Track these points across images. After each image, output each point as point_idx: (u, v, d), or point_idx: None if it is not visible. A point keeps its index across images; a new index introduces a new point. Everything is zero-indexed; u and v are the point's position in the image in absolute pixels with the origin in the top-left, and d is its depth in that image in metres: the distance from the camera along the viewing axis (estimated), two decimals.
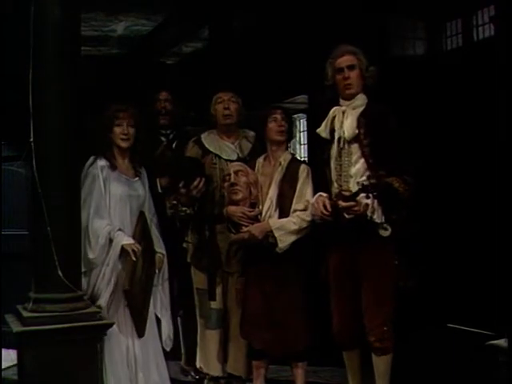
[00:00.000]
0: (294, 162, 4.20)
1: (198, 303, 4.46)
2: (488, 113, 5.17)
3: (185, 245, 4.49)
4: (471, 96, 5.60)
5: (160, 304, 4.07)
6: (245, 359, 4.28)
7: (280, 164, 4.15)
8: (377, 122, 3.77)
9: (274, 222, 4.03)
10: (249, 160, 4.32)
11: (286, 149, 4.29)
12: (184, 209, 4.24)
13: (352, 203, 3.63)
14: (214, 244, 4.33)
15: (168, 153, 4.77)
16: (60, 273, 3.28)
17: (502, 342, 3.92)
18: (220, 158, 4.40)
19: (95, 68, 6.97)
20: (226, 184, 4.18)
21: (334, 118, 3.89)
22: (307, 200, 4.00)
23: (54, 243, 3.29)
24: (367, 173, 3.69)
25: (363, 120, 3.79)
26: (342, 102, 3.93)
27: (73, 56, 3.49)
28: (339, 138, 3.83)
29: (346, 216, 3.68)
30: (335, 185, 3.82)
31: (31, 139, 3.34)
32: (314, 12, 6.18)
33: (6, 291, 3.83)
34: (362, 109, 3.85)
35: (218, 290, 4.36)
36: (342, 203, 3.67)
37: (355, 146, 3.78)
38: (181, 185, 4.22)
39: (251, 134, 4.52)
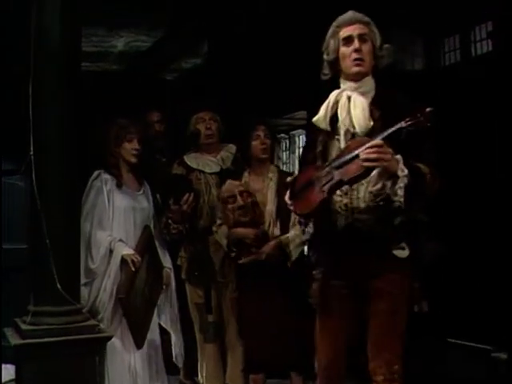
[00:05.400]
0: (283, 175, 4.18)
1: (195, 319, 4.47)
2: (486, 128, 5.21)
3: (179, 261, 4.50)
4: (469, 111, 5.62)
5: (170, 319, 4.08)
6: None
7: (271, 179, 4.17)
8: (393, 112, 2.83)
9: (285, 238, 4.05)
10: (233, 170, 4.39)
11: (271, 163, 4.32)
12: (176, 226, 4.26)
13: (380, 149, 2.68)
14: (208, 256, 4.35)
15: (169, 169, 4.81)
16: (59, 286, 3.27)
17: (502, 355, 3.94)
18: (204, 172, 4.44)
19: (95, 84, 6.99)
20: (230, 206, 4.15)
21: (336, 103, 3.02)
22: None
23: (53, 256, 3.28)
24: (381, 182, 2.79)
25: (376, 110, 2.93)
26: (346, 84, 3.04)
27: (73, 71, 3.50)
28: (346, 132, 2.96)
29: (363, 167, 2.69)
30: (338, 193, 2.94)
31: (31, 152, 3.35)
32: (313, 28, 6.22)
33: (5, 305, 3.82)
34: (372, 95, 2.99)
35: (214, 302, 4.37)
36: (365, 152, 2.69)
37: None
38: (171, 201, 4.26)
39: (231, 146, 4.59)
